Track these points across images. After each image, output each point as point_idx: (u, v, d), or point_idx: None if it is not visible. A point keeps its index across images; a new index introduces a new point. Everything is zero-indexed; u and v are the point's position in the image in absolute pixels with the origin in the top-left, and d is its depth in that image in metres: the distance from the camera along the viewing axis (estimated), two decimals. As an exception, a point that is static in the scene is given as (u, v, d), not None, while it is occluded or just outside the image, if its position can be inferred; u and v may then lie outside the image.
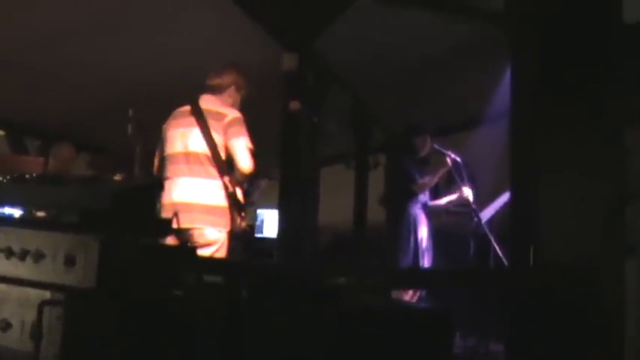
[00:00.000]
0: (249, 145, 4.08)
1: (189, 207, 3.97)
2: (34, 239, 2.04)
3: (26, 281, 2.02)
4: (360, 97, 6.76)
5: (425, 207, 5.83)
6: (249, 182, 4.22)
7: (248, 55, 5.31)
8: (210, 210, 4.02)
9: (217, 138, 4.07)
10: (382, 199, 6.24)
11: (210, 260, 3.43)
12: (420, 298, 5.30)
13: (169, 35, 5.23)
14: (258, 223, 7.25)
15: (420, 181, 5.75)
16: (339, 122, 5.85)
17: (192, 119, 4.14)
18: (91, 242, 1.95)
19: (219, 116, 4.12)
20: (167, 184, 4.05)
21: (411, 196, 5.73)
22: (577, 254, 2.37)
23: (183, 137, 4.14)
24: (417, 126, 5.93)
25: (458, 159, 5.58)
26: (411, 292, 5.13)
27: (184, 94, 4.25)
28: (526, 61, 2.81)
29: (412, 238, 5.61)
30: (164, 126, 4.27)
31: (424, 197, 5.86)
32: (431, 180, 5.79)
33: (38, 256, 2.01)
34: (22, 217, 2.15)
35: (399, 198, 5.78)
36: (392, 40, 5.52)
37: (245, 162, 4.04)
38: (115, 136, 3.91)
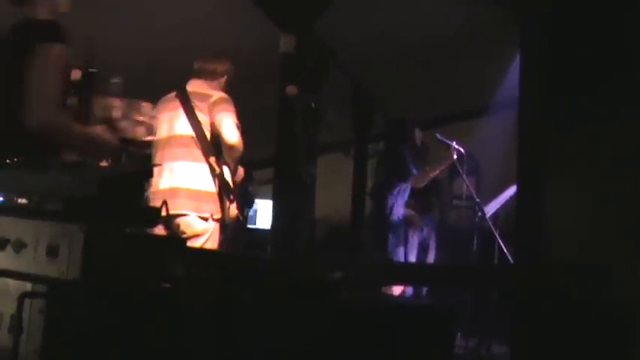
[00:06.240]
0: (236, 121, 3.97)
1: (174, 192, 3.85)
2: (14, 228, 1.95)
3: (6, 272, 1.93)
4: (360, 82, 6.64)
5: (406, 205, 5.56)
6: (237, 162, 4.07)
7: (244, 36, 5.19)
8: (194, 195, 3.89)
9: (202, 118, 3.98)
10: (372, 190, 6.03)
11: (201, 252, 3.33)
12: (403, 294, 5.17)
13: (163, 13, 5.09)
14: (251, 213, 7.12)
15: (417, 173, 5.49)
16: (338, 109, 5.72)
17: (178, 102, 4.05)
18: (75, 231, 1.86)
19: (205, 97, 4.02)
20: (155, 171, 3.93)
21: (399, 188, 5.47)
22: (587, 252, 2.28)
23: (169, 121, 4.05)
24: (405, 120, 5.79)
25: (462, 150, 5.40)
26: (397, 288, 4.99)
27: (176, 74, 4.15)
28: (537, 47, 2.70)
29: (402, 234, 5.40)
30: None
31: (407, 193, 5.60)
32: (428, 174, 5.51)
33: (19, 246, 1.93)
34: (1, 204, 2.06)
35: (387, 189, 5.53)
36: (394, 23, 5.38)
37: (231, 135, 3.92)
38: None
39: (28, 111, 2.30)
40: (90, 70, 2.51)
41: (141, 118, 2.53)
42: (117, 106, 2.49)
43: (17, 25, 2.50)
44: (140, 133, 2.51)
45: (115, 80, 2.55)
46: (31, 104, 2.29)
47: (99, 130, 2.44)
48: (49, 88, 2.32)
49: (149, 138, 2.60)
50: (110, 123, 2.45)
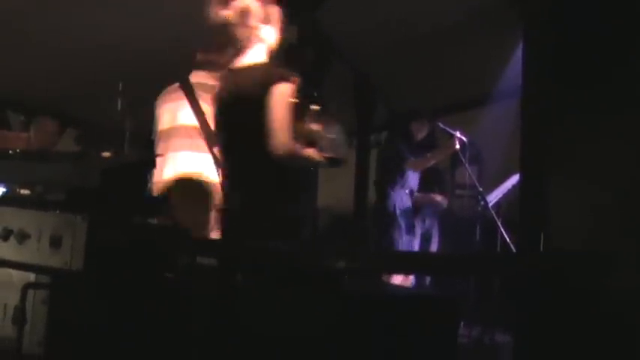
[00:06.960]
0: None
1: None
2: (17, 218, 1.96)
3: (9, 263, 1.93)
4: (362, 71, 6.61)
5: (412, 194, 5.56)
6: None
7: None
8: None
9: (206, 108, 3.96)
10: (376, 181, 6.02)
11: (204, 241, 3.33)
12: (406, 283, 5.17)
13: (164, 6, 5.06)
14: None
15: (413, 158, 5.46)
16: (340, 98, 5.69)
17: (181, 93, 4.03)
18: (79, 222, 1.87)
19: (209, 88, 4.00)
20: (158, 161, 3.93)
21: (398, 178, 5.48)
22: (591, 242, 2.27)
23: (172, 112, 4.04)
24: (415, 111, 5.74)
25: (464, 139, 5.36)
26: (402, 277, 4.98)
27: (178, 66, 4.12)
28: (539, 35, 2.69)
29: (402, 223, 5.38)
30: (155, 104, 4.17)
31: (413, 182, 5.62)
32: (427, 160, 5.44)
33: (22, 237, 1.93)
34: (4, 195, 2.06)
35: (386, 179, 5.52)
36: (396, 12, 5.34)
37: None
38: (105, 112, 3.79)
39: (278, 144, 2.70)
40: (291, 100, 2.87)
41: (329, 136, 2.85)
42: (318, 131, 2.85)
43: (243, 68, 2.97)
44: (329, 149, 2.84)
45: (314, 107, 2.82)
46: (279, 138, 2.71)
47: (310, 152, 2.82)
48: (288, 123, 2.74)
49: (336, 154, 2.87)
50: (314, 145, 2.81)
